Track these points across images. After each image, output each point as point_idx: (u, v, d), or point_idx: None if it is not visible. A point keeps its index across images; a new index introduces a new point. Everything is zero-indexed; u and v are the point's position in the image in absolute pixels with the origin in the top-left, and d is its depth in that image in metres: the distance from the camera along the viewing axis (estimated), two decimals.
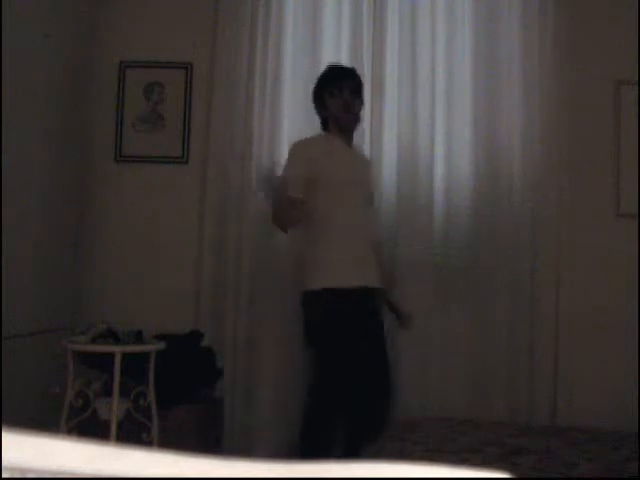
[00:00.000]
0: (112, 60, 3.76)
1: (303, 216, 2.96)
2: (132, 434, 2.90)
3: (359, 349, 2.91)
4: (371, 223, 3.17)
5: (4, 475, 0.51)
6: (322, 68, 3.61)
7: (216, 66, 3.68)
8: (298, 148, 3.07)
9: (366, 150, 3.55)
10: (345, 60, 3.61)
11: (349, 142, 3.17)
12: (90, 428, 2.91)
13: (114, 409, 2.88)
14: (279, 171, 2.91)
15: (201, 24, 3.75)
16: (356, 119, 3.17)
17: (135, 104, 3.75)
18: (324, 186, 2.96)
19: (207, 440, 3.25)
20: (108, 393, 2.95)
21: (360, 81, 3.20)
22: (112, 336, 3.00)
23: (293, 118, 3.64)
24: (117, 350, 2.91)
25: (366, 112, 3.42)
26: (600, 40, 3.64)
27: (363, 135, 3.53)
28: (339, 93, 3.11)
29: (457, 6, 3.64)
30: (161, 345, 3.10)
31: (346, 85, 3.12)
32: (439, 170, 3.59)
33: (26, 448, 0.53)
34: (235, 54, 3.65)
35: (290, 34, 3.68)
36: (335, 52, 3.65)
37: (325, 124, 3.17)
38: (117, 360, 2.89)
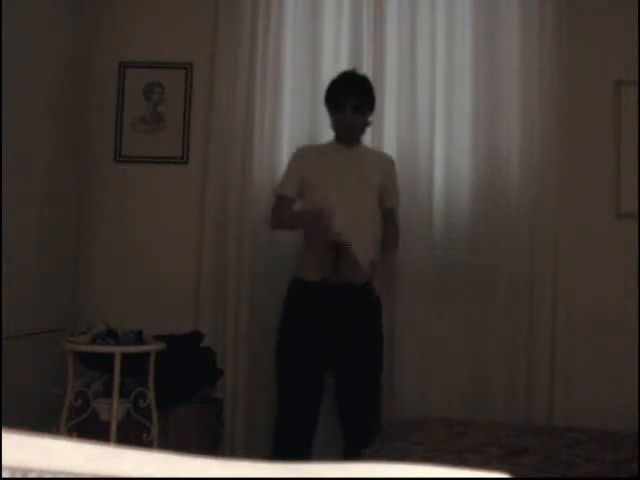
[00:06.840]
0: (112, 60, 3.76)
1: (287, 217, 3.18)
2: (132, 435, 2.90)
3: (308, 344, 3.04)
4: (363, 223, 3.09)
5: (4, 475, 0.51)
6: (322, 68, 3.63)
7: (216, 66, 3.68)
8: (295, 153, 3.27)
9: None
10: (345, 61, 3.60)
11: (352, 144, 3.19)
12: (90, 428, 2.91)
13: (114, 410, 2.88)
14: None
15: (201, 24, 3.75)
16: (359, 129, 3.18)
17: (135, 104, 3.75)
18: (311, 190, 3.14)
19: (207, 440, 3.25)
20: (108, 394, 2.95)
21: (367, 92, 3.18)
22: (112, 336, 3.00)
23: (294, 118, 3.63)
24: (117, 350, 2.91)
25: None
26: (600, 40, 3.64)
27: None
28: (340, 110, 3.13)
29: (457, 5, 3.64)
30: (161, 345, 3.10)
31: (348, 102, 3.11)
32: (439, 170, 3.59)
33: (26, 448, 0.53)
34: (235, 54, 3.64)
35: (290, 34, 3.68)
36: (335, 52, 3.64)
37: None
38: (117, 360, 2.89)
